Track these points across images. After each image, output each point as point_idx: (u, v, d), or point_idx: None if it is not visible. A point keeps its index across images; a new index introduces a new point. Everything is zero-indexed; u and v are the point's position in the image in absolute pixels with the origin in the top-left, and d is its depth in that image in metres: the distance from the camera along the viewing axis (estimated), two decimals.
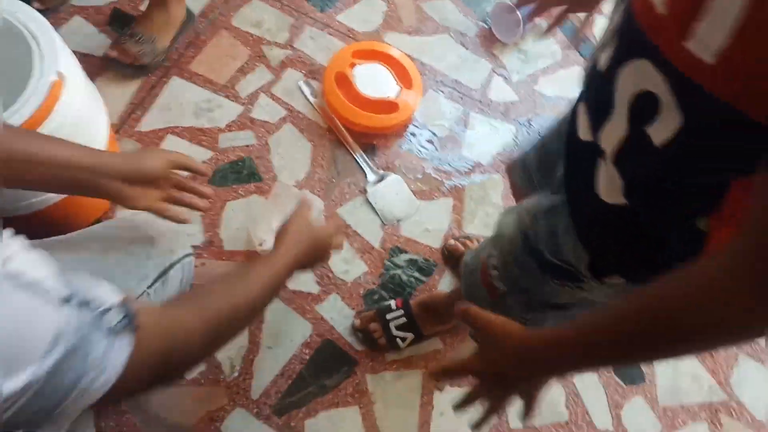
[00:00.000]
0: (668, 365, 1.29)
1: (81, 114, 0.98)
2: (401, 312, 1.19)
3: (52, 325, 0.43)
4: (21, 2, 0.94)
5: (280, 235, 0.80)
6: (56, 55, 0.91)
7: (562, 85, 1.55)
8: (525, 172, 0.85)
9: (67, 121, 0.94)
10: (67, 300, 0.45)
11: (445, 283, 1.28)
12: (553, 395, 1.22)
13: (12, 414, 0.41)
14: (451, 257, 1.30)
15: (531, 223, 0.67)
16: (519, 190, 0.92)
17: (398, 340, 1.18)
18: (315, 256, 0.85)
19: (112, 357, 0.49)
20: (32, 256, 0.44)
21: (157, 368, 0.54)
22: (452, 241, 1.32)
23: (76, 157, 0.75)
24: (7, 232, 0.43)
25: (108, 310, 0.49)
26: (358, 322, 1.20)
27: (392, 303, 1.20)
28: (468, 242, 1.31)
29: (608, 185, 0.54)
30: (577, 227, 0.61)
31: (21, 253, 0.43)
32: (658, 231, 0.53)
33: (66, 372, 0.45)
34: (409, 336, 1.19)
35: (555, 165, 0.70)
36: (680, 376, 1.28)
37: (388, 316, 1.18)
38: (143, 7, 1.43)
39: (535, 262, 0.67)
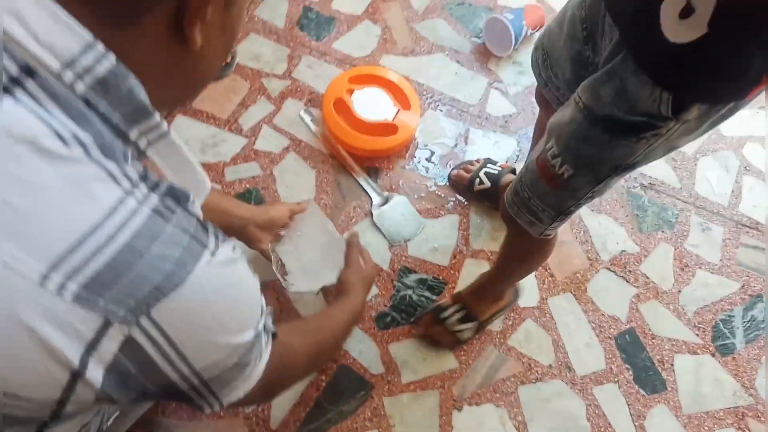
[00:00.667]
0: (689, 370, 1.27)
1: None
2: (456, 307, 1.21)
3: (260, 299, 0.51)
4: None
5: (351, 280, 1.01)
6: None
7: None
8: (545, 59, 0.90)
9: None
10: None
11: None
12: (572, 407, 1.21)
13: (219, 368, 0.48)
14: (459, 186, 1.38)
15: (591, 96, 0.71)
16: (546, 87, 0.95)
17: (460, 334, 1.21)
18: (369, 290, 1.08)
19: (264, 356, 0.54)
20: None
21: (266, 382, 0.57)
22: (455, 171, 1.38)
23: (233, 208, 1.06)
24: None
25: (269, 313, 0.56)
26: (419, 330, 1.24)
27: (444, 301, 1.24)
28: (470, 166, 1.38)
29: (678, 21, 0.59)
30: (653, 74, 0.65)
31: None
32: (742, 57, 0.60)
33: (254, 348, 0.51)
34: (471, 326, 1.21)
35: (588, 35, 0.77)
36: (702, 382, 1.26)
37: (443, 315, 1.21)
38: None
39: (603, 129, 0.72)
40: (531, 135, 1.49)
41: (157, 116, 0.45)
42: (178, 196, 0.44)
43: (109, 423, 0.86)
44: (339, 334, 0.90)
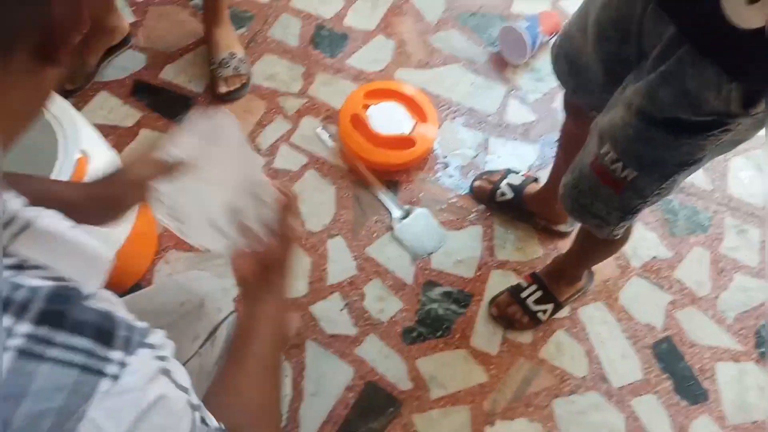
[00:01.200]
0: (732, 379, 1.21)
1: None
2: (535, 287, 1.21)
3: (188, 427, 0.41)
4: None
5: (272, 277, 0.64)
6: (78, 134, 0.95)
7: None
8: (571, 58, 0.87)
9: None
10: (196, 408, 0.43)
11: (484, 311, 1.25)
12: (610, 420, 1.16)
13: None
14: (481, 197, 1.35)
15: (648, 100, 0.69)
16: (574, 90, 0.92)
17: (539, 314, 1.20)
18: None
19: None
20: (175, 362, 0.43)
21: None
22: (477, 182, 1.36)
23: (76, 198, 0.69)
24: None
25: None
26: (495, 310, 1.22)
27: (522, 281, 1.23)
28: (491, 176, 1.36)
29: (746, 6, 0.56)
30: (727, 70, 0.62)
31: (170, 353, 0.42)
32: None
33: None
34: (549, 307, 1.21)
35: (623, 35, 0.73)
36: (747, 391, 1.20)
37: (523, 295, 1.21)
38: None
39: (666, 131, 0.69)
40: (553, 141, 1.47)
41: (16, 202, 0.39)
42: (58, 310, 0.34)
43: None
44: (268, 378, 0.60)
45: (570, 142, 1.08)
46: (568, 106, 1.03)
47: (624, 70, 0.75)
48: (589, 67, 0.83)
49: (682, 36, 0.64)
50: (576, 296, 1.25)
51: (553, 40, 1.58)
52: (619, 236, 0.90)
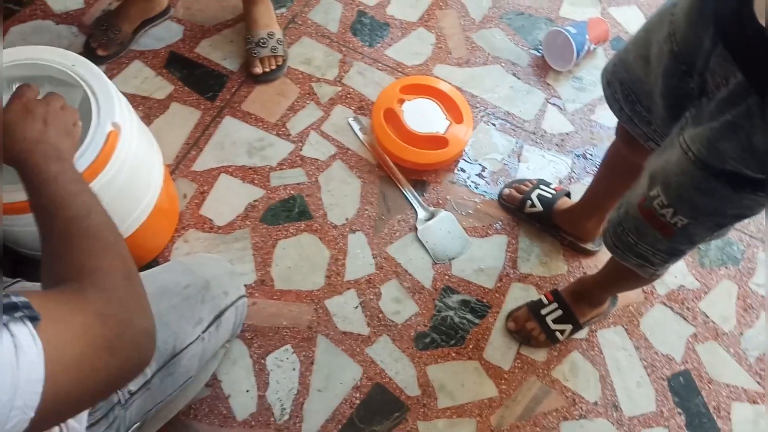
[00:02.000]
0: (747, 421, 1.18)
1: (137, 159, 1.00)
2: (555, 305, 1.19)
3: None
4: (78, 55, 0.98)
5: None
6: (112, 105, 0.93)
7: None
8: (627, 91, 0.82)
9: (125, 168, 0.96)
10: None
11: (500, 324, 1.23)
12: None
13: None
14: (509, 205, 1.32)
15: (708, 150, 0.65)
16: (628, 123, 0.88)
17: (557, 333, 1.18)
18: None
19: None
20: None
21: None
22: (507, 190, 1.33)
23: None
24: None
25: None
26: (512, 324, 1.20)
27: (542, 298, 1.20)
28: (522, 186, 1.32)
29: None
30: None
31: None
32: None
33: None
34: (568, 327, 1.18)
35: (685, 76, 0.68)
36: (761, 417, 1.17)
37: (543, 312, 1.18)
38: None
39: (725, 184, 0.65)
40: (588, 155, 1.43)
41: None
42: None
43: None
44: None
45: (617, 166, 1.04)
46: (622, 132, 0.99)
47: (686, 104, 0.70)
48: (651, 98, 0.79)
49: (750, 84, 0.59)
50: (597, 319, 1.22)
51: (599, 48, 1.54)
52: (661, 276, 0.87)
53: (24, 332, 0.40)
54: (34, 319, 0.42)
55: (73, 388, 0.44)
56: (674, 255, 0.79)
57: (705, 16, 0.65)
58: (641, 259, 0.81)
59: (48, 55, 0.96)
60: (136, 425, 0.87)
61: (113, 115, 0.93)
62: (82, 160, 0.87)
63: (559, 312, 1.18)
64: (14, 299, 0.41)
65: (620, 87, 0.84)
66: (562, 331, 1.18)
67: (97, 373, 0.46)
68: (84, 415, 0.73)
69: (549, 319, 1.18)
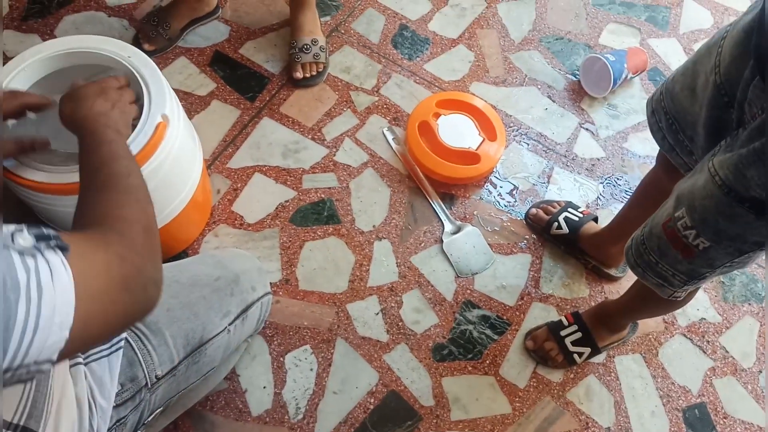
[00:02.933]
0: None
1: (180, 152, 1.04)
2: (575, 327, 1.19)
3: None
4: (135, 48, 1.02)
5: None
6: (164, 98, 0.97)
7: (654, 144, 1.47)
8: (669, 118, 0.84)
9: (168, 159, 0.99)
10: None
11: (519, 341, 1.23)
12: None
13: None
14: (536, 225, 1.34)
15: (735, 176, 0.66)
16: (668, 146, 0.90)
17: (575, 355, 1.19)
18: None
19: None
20: None
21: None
22: (534, 210, 1.34)
23: None
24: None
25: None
26: (531, 343, 1.21)
27: (563, 319, 1.21)
28: (550, 207, 1.33)
29: None
30: None
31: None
32: None
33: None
34: (586, 351, 1.19)
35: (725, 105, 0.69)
36: None
37: (563, 333, 1.19)
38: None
39: (749, 210, 0.66)
40: (617, 182, 1.43)
41: None
42: None
43: (150, 418, 0.87)
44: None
45: (653, 194, 1.04)
46: (662, 160, 1.00)
47: (725, 135, 0.72)
48: (695, 129, 0.80)
49: None
50: (616, 345, 1.22)
51: (636, 78, 1.55)
52: (681, 298, 0.87)
53: (56, 259, 0.44)
54: (64, 249, 0.45)
55: (96, 316, 0.47)
56: (694, 278, 0.79)
57: (748, 49, 0.67)
58: (661, 278, 0.82)
59: (106, 46, 1.00)
60: (158, 410, 0.90)
61: (164, 107, 0.96)
62: (131, 147, 0.90)
63: (579, 334, 1.19)
64: (45, 230, 0.45)
65: (665, 116, 0.85)
66: (580, 354, 1.19)
67: (115, 306, 0.50)
68: (111, 393, 0.75)
69: (568, 341, 1.19)
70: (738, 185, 0.66)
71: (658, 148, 0.92)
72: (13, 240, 0.42)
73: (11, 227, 0.44)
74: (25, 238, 0.43)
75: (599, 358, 1.24)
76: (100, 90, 0.79)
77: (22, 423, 0.54)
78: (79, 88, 0.79)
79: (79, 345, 0.46)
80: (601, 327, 1.19)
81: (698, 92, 0.77)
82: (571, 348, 1.19)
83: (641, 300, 1.04)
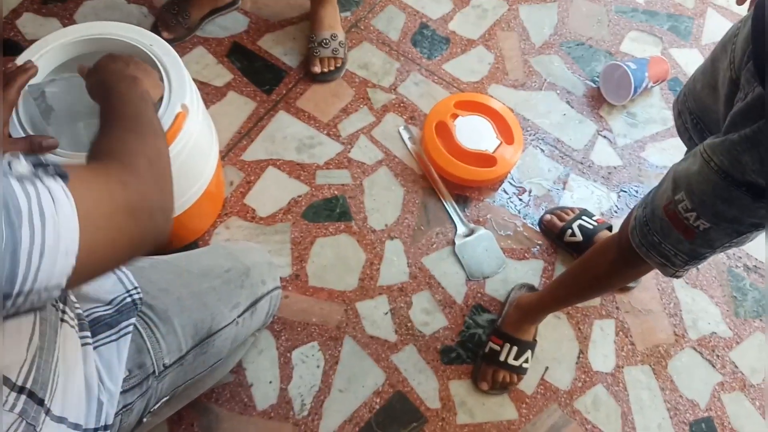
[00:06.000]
0: None
1: (198, 142, 1.03)
2: (507, 345, 1.18)
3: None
4: (156, 35, 1.01)
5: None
6: (184, 88, 0.96)
7: (671, 154, 1.47)
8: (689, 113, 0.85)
9: (186, 149, 0.99)
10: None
11: None
12: None
13: None
14: (549, 232, 1.33)
15: (730, 161, 0.67)
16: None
17: (523, 366, 1.18)
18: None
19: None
20: None
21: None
22: (548, 216, 1.33)
23: None
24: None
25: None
26: (485, 384, 1.18)
27: (491, 344, 1.19)
28: (564, 214, 1.32)
29: None
30: None
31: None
32: None
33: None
34: (528, 354, 1.19)
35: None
36: None
37: (501, 358, 1.17)
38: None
39: (745, 193, 0.67)
40: (633, 191, 1.42)
41: None
42: None
43: (156, 406, 0.87)
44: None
45: None
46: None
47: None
48: (719, 126, 0.80)
49: None
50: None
51: (657, 88, 1.54)
52: (681, 276, 0.88)
53: (57, 186, 0.43)
54: (63, 176, 0.45)
55: (102, 243, 0.47)
56: (695, 258, 0.80)
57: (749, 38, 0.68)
58: (664, 258, 0.83)
59: (128, 33, 1.00)
60: (164, 399, 0.89)
61: (183, 97, 0.96)
62: None
63: (515, 348, 1.17)
64: (42, 158, 0.44)
65: (690, 117, 0.86)
66: (526, 360, 1.19)
67: (120, 233, 0.50)
68: (119, 378, 0.75)
69: (510, 360, 1.17)
70: (734, 171, 0.67)
71: (676, 160, 0.92)
72: (10, 167, 0.42)
73: (7, 155, 0.44)
74: (22, 165, 0.43)
75: (608, 368, 1.23)
76: (110, 58, 0.82)
77: (28, 386, 0.53)
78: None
79: (87, 272, 0.46)
80: (527, 325, 1.19)
81: (719, 90, 0.77)
82: (516, 363, 1.17)
83: (605, 273, 1.01)
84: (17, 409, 0.52)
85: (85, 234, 0.44)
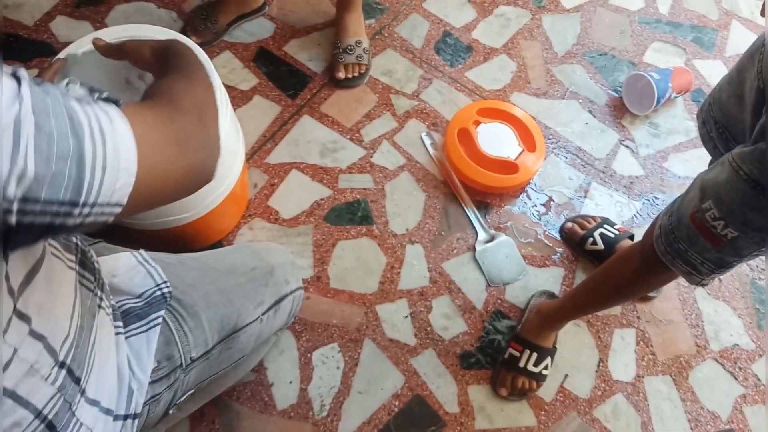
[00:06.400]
0: None
1: (225, 144, 1.04)
2: (528, 351, 1.18)
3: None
4: (188, 39, 1.03)
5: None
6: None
7: (694, 164, 1.47)
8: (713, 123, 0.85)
9: None
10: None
11: None
12: None
13: None
14: (570, 239, 1.34)
15: (759, 169, 0.67)
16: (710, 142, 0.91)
17: (543, 372, 1.18)
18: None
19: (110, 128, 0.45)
20: None
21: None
22: (569, 224, 1.34)
23: None
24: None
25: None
26: (504, 390, 1.19)
27: (510, 350, 1.19)
28: (585, 222, 1.33)
29: None
30: None
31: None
32: None
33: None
34: (548, 361, 1.19)
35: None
36: None
37: (521, 364, 1.18)
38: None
39: None
40: (655, 201, 1.42)
41: None
42: None
43: (182, 399, 0.88)
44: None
45: None
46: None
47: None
48: (745, 136, 0.80)
49: None
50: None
51: (680, 98, 1.53)
52: (707, 285, 0.88)
53: (113, 109, 0.44)
54: (116, 102, 0.46)
55: (155, 168, 0.48)
56: (721, 266, 0.80)
57: None
58: (690, 266, 0.82)
59: (160, 36, 1.02)
60: (189, 392, 0.91)
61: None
62: None
63: (535, 354, 1.17)
64: (95, 85, 0.46)
65: (714, 126, 0.86)
66: (546, 367, 1.19)
67: (170, 163, 0.50)
68: (148, 368, 0.77)
69: (530, 366, 1.17)
70: (763, 179, 0.67)
71: (699, 170, 0.92)
72: (68, 90, 0.43)
73: (64, 80, 0.45)
74: (78, 90, 0.44)
75: (628, 377, 1.22)
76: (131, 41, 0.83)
77: (68, 362, 0.55)
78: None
79: (143, 198, 0.47)
80: (547, 332, 1.19)
81: (746, 99, 0.77)
82: (535, 369, 1.17)
83: (627, 282, 1.01)
84: (58, 384, 0.54)
85: (141, 155, 0.45)
